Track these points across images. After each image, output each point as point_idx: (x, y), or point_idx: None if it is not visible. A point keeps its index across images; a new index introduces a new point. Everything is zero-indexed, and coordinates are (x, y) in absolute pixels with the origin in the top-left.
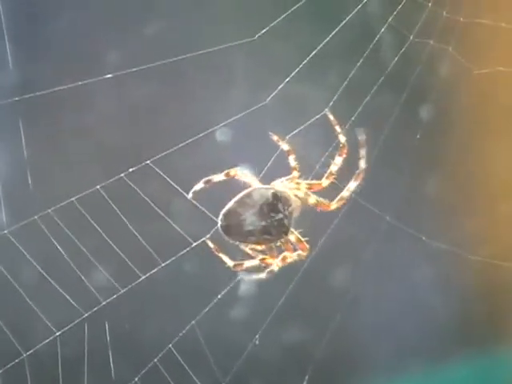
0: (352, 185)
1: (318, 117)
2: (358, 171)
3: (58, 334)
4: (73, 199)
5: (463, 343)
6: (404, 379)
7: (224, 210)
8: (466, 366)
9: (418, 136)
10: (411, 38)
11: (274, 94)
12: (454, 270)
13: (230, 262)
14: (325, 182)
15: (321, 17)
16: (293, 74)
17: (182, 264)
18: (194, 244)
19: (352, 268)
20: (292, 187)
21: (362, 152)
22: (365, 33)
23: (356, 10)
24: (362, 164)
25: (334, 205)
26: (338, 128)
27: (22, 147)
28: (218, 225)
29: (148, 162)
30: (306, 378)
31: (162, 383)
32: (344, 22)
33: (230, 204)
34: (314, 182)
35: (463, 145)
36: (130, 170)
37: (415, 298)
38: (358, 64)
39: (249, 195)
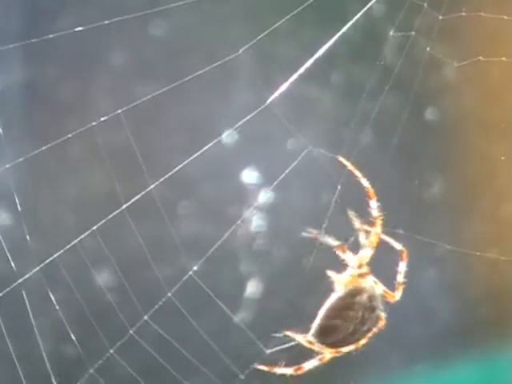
0: (402, 266)
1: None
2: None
3: None
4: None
5: (467, 345)
6: (407, 381)
7: (328, 311)
8: (470, 369)
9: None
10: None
11: (276, 94)
12: (458, 271)
13: (288, 371)
14: (373, 243)
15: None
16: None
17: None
18: None
19: None
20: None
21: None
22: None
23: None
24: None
25: (397, 294)
26: (357, 173)
27: None
28: (318, 329)
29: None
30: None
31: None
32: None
33: (336, 302)
34: (362, 252)
35: (452, 140)
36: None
37: (420, 300)
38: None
39: (356, 293)
